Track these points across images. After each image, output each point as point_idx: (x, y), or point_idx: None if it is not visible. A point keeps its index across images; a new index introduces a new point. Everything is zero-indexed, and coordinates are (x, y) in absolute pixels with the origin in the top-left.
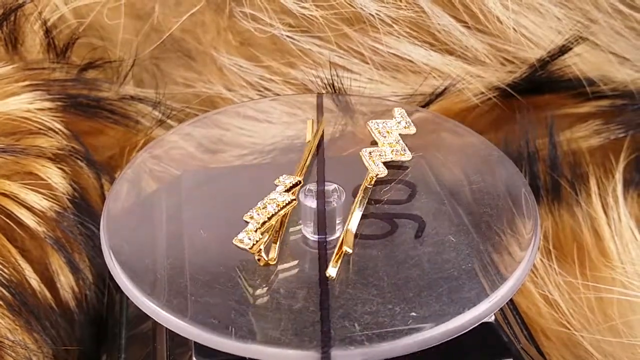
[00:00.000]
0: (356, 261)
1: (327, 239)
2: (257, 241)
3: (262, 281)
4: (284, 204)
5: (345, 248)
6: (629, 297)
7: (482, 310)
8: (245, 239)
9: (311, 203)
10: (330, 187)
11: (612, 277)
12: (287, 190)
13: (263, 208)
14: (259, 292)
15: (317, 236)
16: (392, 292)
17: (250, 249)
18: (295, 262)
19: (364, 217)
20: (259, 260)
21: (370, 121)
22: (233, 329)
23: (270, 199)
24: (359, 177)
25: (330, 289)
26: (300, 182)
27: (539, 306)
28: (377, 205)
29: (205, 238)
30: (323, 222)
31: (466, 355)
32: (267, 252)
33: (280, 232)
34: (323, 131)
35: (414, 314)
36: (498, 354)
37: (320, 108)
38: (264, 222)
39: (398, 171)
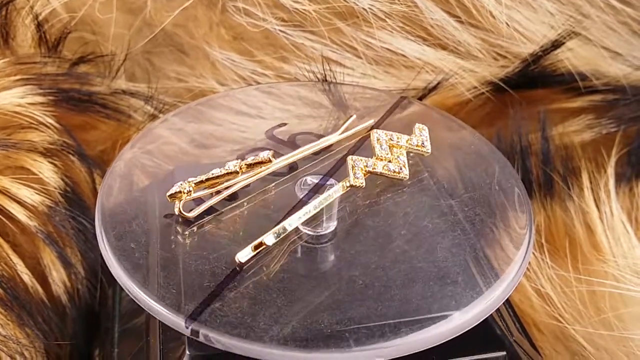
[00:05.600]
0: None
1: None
2: (183, 191)
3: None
4: (227, 172)
5: (263, 239)
6: (621, 290)
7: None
8: (176, 187)
9: (300, 194)
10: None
11: (604, 270)
12: (249, 166)
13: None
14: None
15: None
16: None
17: (171, 195)
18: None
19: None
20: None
21: (375, 130)
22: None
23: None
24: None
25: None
26: (269, 160)
27: (531, 299)
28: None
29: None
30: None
31: (459, 349)
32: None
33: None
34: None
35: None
36: (491, 347)
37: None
38: (201, 181)
39: None
